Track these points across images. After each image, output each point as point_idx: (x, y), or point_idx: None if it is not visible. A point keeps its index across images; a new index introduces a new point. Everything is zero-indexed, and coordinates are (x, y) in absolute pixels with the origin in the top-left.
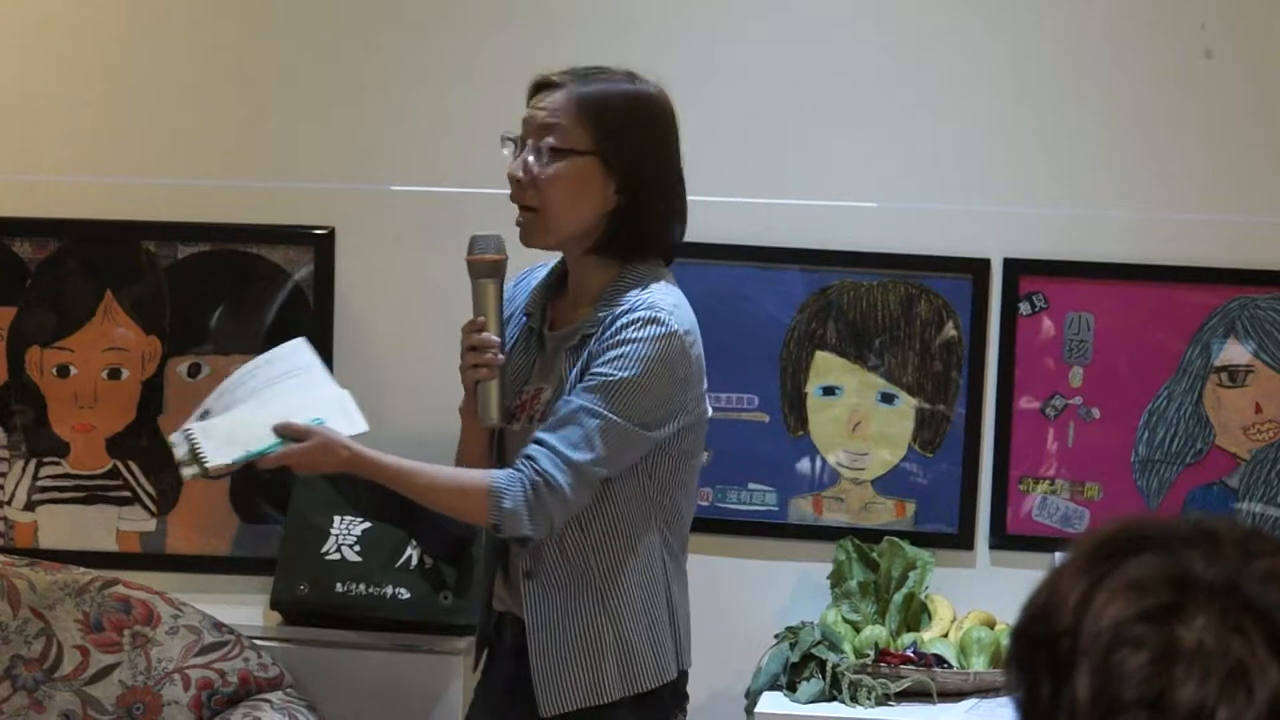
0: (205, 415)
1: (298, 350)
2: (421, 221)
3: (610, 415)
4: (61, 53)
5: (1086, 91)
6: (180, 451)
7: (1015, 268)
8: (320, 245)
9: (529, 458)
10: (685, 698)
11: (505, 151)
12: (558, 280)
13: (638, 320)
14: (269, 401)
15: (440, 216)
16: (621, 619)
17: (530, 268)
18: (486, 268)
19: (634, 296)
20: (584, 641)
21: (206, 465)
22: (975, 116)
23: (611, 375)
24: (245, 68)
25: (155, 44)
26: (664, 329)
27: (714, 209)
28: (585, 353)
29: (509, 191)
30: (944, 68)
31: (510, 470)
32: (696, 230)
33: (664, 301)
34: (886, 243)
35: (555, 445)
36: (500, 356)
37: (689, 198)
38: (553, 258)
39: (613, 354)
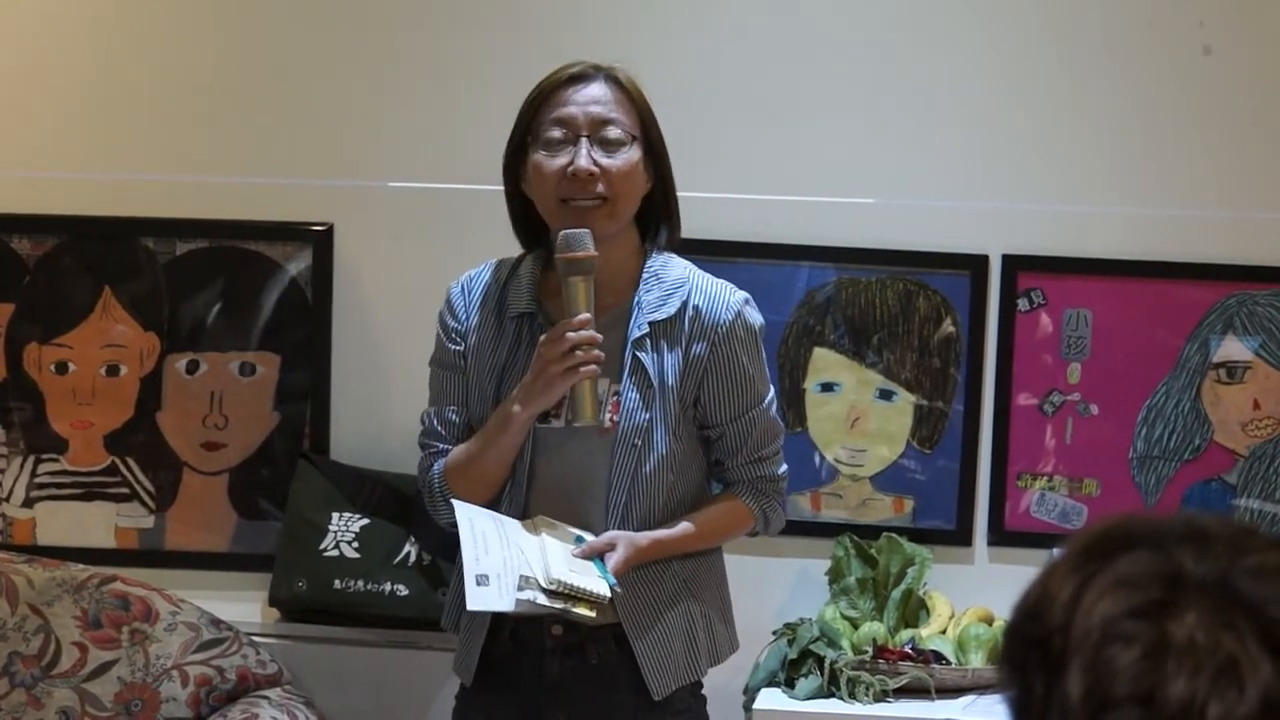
0: (485, 580)
1: (469, 513)
2: (419, 218)
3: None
4: (60, 49)
5: (1085, 88)
6: (559, 604)
7: (1013, 264)
8: (318, 241)
9: (760, 477)
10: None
11: (534, 151)
12: (544, 274)
13: (748, 321)
14: (534, 546)
15: (438, 213)
16: (701, 597)
17: (470, 273)
18: (581, 265)
19: (686, 278)
20: (679, 624)
21: (613, 586)
22: (973, 113)
23: (765, 391)
24: (244, 64)
25: (153, 41)
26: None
27: (712, 205)
28: (669, 341)
29: (565, 187)
30: (942, 64)
31: (745, 489)
32: (694, 227)
33: (730, 285)
34: (885, 239)
35: (763, 455)
36: (602, 354)
37: (689, 194)
38: (482, 260)
39: (758, 369)
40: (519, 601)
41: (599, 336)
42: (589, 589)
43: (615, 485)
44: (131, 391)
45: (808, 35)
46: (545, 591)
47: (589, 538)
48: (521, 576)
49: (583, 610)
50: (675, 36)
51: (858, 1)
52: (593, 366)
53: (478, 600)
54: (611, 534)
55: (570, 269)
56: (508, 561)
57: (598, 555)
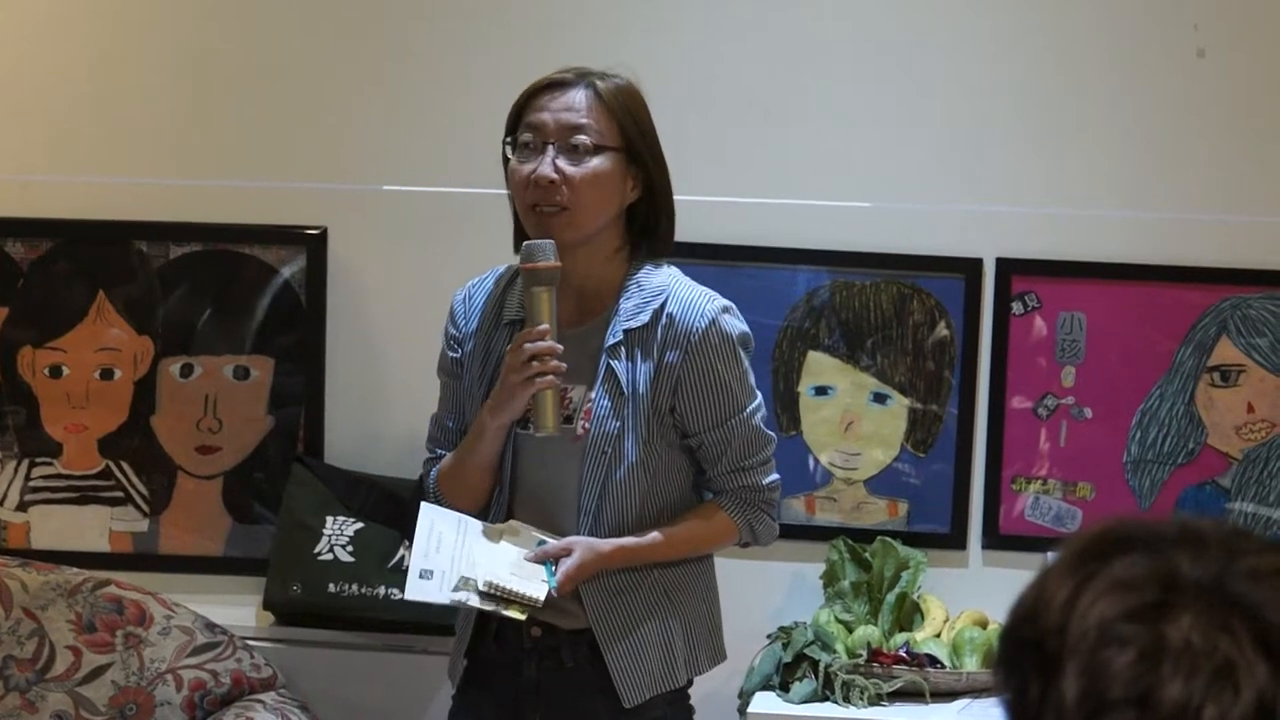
0: (429, 574)
1: (432, 514)
2: (414, 221)
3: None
4: (53, 53)
5: (1079, 91)
6: (489, 605)
7: (1007, 267)
8: (313, 245)
9: (744, 487)
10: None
11: (512, 155)
12: None
13: (724, 329)
14: (485, 549)
15: (433, 216)
16: (682, 606)
17: (473, 281)
18: (544, 275)
19: (666, 286)
20: (656, 632)
21: (552, 590)
22: (968, 116)
23: (746, 400)
24: (238, 68)
25: (147, 44)
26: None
27: (707, 209)
28: (643, 349)
29: (527, 193)
30: (937, 68)
31: (729, 499)
32: (689, 230)
33: (711, 293)
34: (879, 243)
35: (753, 465)
36: (563, 364)
37: (684, 198)
38: (474, 263)
39: (737, 378)
40: (454, 600)
41: (558, 347)
42: (523, 593)
43: (586, 492)
44: (125, 395)
45: (802, 39)
46: (479, 594)
47: (553, 541)
48: (461, 577)
49: (514, 613)
50: (672, 39)
51: (853, 6)
52: (550, 377)
53: (416, 591)
54: (570, 539)
55: (532, 279)
56: (455, 561)
57: (553, 560)
